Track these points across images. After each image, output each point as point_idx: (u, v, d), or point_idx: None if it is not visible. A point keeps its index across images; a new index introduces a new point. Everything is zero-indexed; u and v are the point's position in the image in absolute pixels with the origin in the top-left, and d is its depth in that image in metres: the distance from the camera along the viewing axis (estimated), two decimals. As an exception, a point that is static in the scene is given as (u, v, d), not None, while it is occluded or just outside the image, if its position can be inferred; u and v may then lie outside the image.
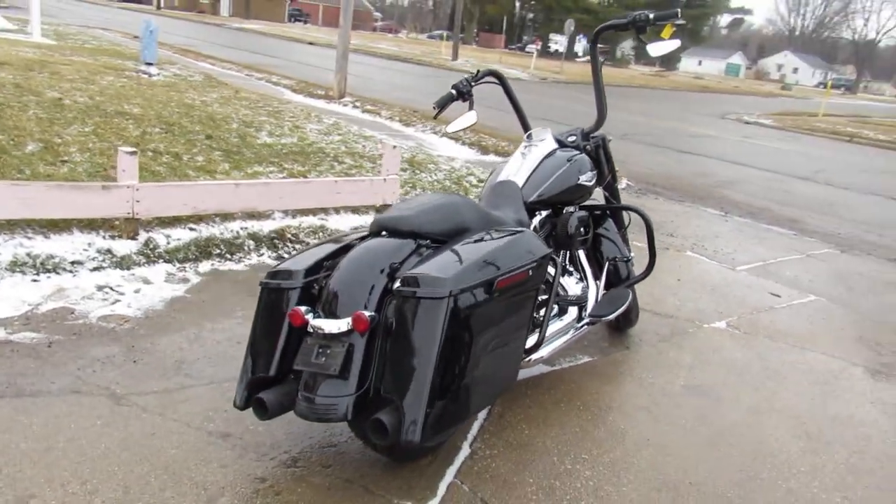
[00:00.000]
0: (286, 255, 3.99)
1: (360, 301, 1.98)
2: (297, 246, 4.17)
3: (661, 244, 5.05)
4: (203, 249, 3.86)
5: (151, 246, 3.75)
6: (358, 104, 10.84)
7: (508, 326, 2.11)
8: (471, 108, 3.04)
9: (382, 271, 2.03)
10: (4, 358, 2.57)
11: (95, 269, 3.47)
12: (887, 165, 12.95)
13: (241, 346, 2.85)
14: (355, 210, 4.72)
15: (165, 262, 3.69)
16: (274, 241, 4.14)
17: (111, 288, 3.33)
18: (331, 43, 32.67)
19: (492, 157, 8.11)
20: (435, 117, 3.10)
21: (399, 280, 1.94)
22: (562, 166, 2.85)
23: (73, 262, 3.46)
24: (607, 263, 3.11)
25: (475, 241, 2.11)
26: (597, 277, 3.07)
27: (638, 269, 3.26)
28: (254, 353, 2.10)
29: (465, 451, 2.31)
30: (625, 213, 3.33)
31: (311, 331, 1.98)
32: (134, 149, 3.76)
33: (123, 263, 3.57)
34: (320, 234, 4.35)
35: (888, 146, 16.39)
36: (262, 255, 4.01)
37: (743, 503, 2.22)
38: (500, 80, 3.10)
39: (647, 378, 3.02)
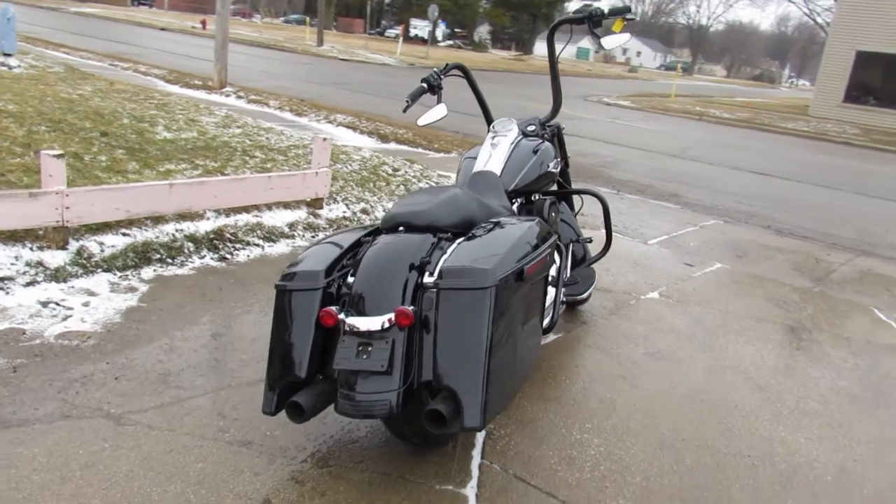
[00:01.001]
0: (228, 257, 3.88)
1: (394, 297, 2.01)
2: (238, 245, 4.05)
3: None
4: (142, 255, 3.66)
5: (85, 255, 3.51)
6: (241, 94, 10.45)
7: (533, 309, 2.22)
8: (439, 101, 3.10)
9: (411, 266, 2.07)
10: (-29, 387, 2.36)
11: (29, 283, 3.20)
12: (738, 141, 14.28)
13: (221, 352, 2.80)
14: (287, 205, 4.62)
15: (104, 271, 3.47)
16: (213, 241, 3.99)
17: (56, 303, 3.10)
18: (184, 28, 31.02)
19: (393, 146, 8.14)
20: (405, 111, 3.13)
21: (439, 273, 1.99)
22: (532, 155, 2.99)
23: (2, 279, 3.18)
24: (571, 245, 3.30)
25: (495, 231, 2.19)
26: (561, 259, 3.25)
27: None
28: (280, 358, 2.08)
29: (482, 433, 2.41)
30: (576, 197, 3.53)
31: (348, 329, 1.99)
32: (60, 151, 3.48)
33: (59, 276, 3.32)
34: (258, 231, 4.24)
35: (732, 123, 18.04)
36: (203, 257, 3.86)
37: (731, 451, 2.48)
38: (465, 72, 3.18)
39: (612, 349, 3.25)
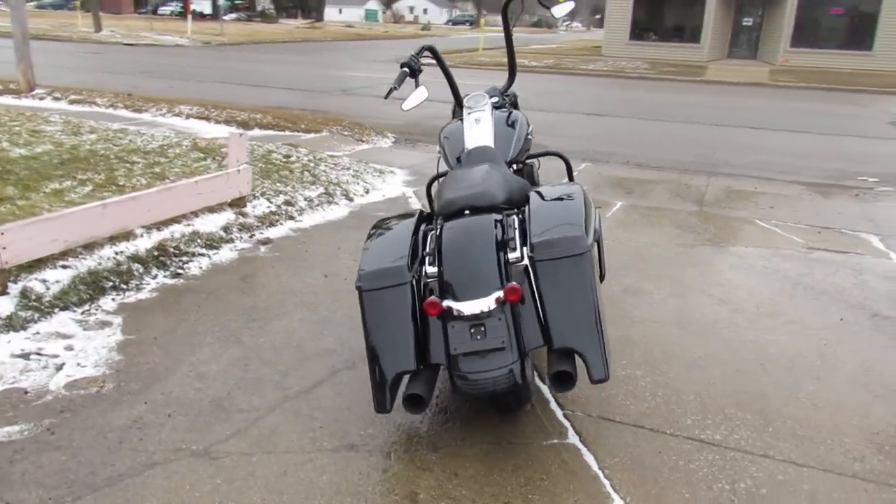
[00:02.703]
0: (181, 272, 3.68)
1: (491, 276, 2.12)
2: (184, 258, 3.82)
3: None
4: (93, 286, 3.36)
5: (33, 297, 3.16)
6: (58, 95, 9.39)
7: (600, 264, 2.44)
8: (417, 84, 3.14)
9: (498, 245, 2.18)
10: (25, 460, 2.12)
11: (-12, 339, 2.85)
12: (558, 87, 15.28)
13: (252, 367, 2.73)
14: (211, 209, 4.39)
15: (61, 310, 3.16)
16: (160, 258, 3.74)
17: (36, 353, 2.80)
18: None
19: (259, 132, 7.80)
20: (386, 97, 3.13)
21: (532, 247, 2.12)
22: (515, 126, 3.15)
23: (-48, 339, 2.80)
24: None
25: (555, 201, 2.35)
26: None
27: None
28: (385, 356, 2.11)
29: (543, 389, 2.60)
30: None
31: (456, 314, 2.08)
32: (-15, 186, 3.07)
33: (14, 324, 2.98)
34: (198, 240, 4.01)
35: (543, 71, 19.21)
36: (155, 276, 3.61)
37: (739, 359, 2.90)
38: (435, 54, 3.25)
39: (593, 293, 3.56)
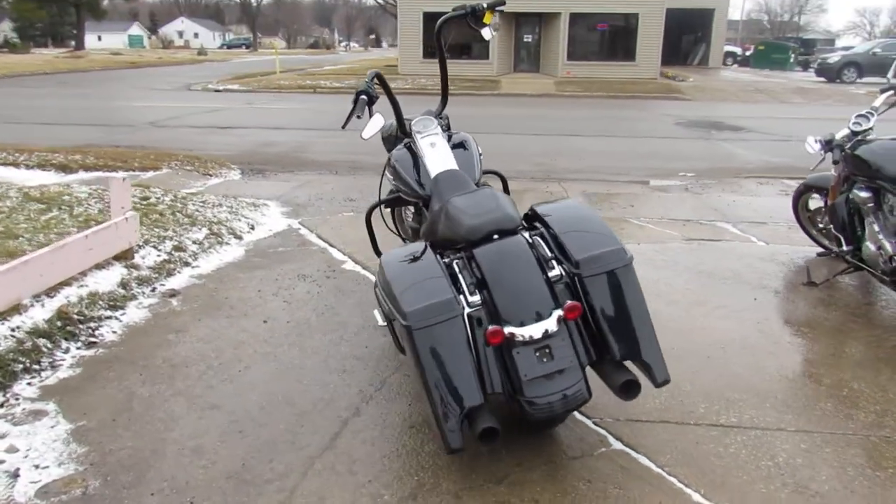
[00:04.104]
0: (95, 340, 3.22)
1: (545, 296, 2.14)
2: (91, 325, 3.33)
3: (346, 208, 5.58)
4: (1, 372, 2.82)
5: (-70, 396, 2.58)
6: None
7: None
8: (371, 112, 3.03)
9: (540, 265, 2.20)
10: None
11: None
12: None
13: (248, 432, 2.58)
14: (99, 265, 3.86)
15: (-28, 406, 2.61)
16: (66, 328, 3.22)
17: (-28, 464, 2.29)
18: None
19: (84, 174, 6.98)
20: (344, 126, 2.98)
21: (577, 263, 2.16)
22: (469, 148, 3.17)
23: None
24: None
25: (572, 216, 2.40)
26: None
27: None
28: (448, 393, 2.03)
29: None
30: None
31: (519, 341, 2.06)
32: None
33: (-82, 434, 2.41)
34: (99, 302, 3.51)
35: (346, 91, 19.23)
36: (67, 350, 3.11)
37: (706, 348, 3.17)
38: (382, 80, 3.16)
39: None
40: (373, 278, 4.04)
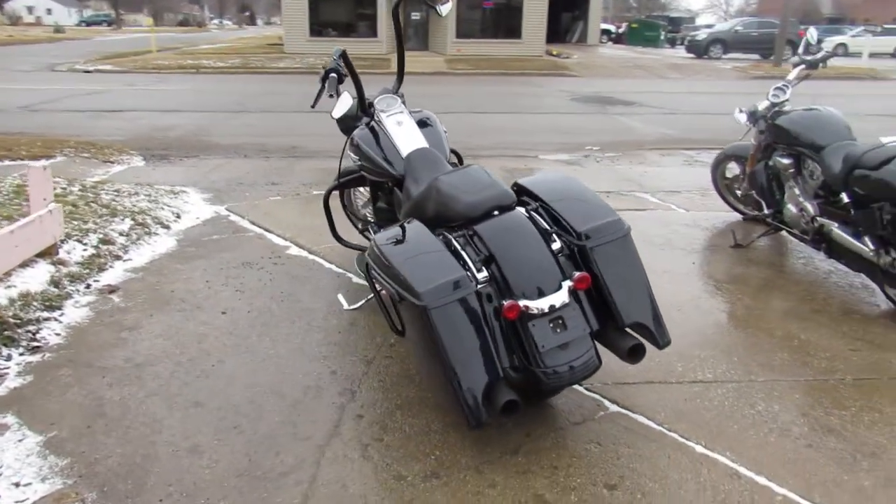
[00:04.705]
0: (38, 344, 2.99)
1: (554, 269, 2.19)
2: (29, 329, 3.06)
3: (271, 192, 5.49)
4: (-59, 386, 2.55)
5: None
6: None
7: None
8: (338, 92, 2.95)
9: (544, 239, 2.25)
10: None
11: None
12: (262, 88, 14.81)
13: (244, 427, 2.61)
14: (24, 264, 3.54)
15: (-82, 426, 2.35)
16: (3, 333, 2.94)
17: (-60, 488, 2.07)
18: None
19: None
20: (314, 105, 2.88)
21: (584, 235, 2.23)
22: (434, 124, 3.16)
23: None
24: None
25: (563, 189, 2.45)
26: None
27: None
28: (469, 368, 2.05)
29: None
30: None
31: (535, 313, 2.11)
32: None
33: None
34: (34, 303, 3.23)
35: (233, 71, 18.47)
36: (9, 358, 2.85)
37: (666, 310, 3.34)
38: (346, 59, 3.06)
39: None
40: (325, 263, 3.97)
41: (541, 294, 2.13)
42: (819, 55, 4.23)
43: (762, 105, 4.14)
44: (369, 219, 3.87)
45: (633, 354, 2.20)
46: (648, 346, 2.24)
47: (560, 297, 2.12)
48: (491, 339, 2.10)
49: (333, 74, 2.93)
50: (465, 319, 2.07)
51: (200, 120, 9.79)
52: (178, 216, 4.85)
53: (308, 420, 2.43)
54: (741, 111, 4.23)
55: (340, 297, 3.43)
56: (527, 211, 2.36)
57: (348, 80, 3.12)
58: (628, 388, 2.61)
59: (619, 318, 2.22)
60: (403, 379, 2.70)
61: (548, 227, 2.30)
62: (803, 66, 4.22)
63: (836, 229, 3.56)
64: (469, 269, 2.17)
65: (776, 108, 4.10)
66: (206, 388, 2.64)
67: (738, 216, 4.82)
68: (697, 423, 2.40)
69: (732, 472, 2.14)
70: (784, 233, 4.17)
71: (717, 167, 4.89)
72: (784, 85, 4.15)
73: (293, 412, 2.48)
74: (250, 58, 21.26)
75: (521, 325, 2.12)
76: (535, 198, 2.43)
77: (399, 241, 2.31)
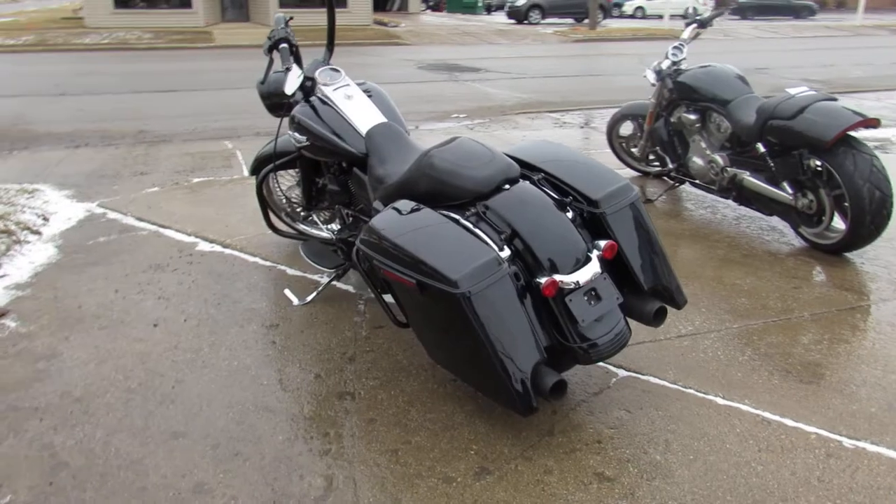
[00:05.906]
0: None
1: (579, 240, 2.11)
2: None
3: (144, 183, 5.00)
4: None
5: None
6: None
7: None
8: (289, 65, 2.61)
9: (562, 210, 2.16)
10: None
11: None
12: (69, 68, 13.19)
13: (242, 454, 2.39)
14: None
15: None
16: None
17: None
18: None
19: None
20: (263, 81, 2.51)
21: (597, 202, 2.16)
22: (385, 97, 2.93)
23: None
24: None
25: (564, 156, 2.37)
26: None
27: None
28: (514, 354, 1.94)
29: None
30: None
31: (572, 287, 2.02)
32: None
33: None
34: None
35: (30, 49, 16.34)
36: None
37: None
38: (286, 24, 2.72)
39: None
40: (247, 257, 3.61)
41: (574, 267, 2.04)
42: (707, 15, 4.47)
43: (664, 64, 4.31)
44: (294, 202, 3.56)
45: (659, 317, 2.18)
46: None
47: (593, 269, 2.05)
48: (527, 321, 1.98)
49: (284, 45, 2.59)
50: (504, 302, 1.94)
51: (13, 106, 8.53)
52: (46, 219, 4.17)
53: (317, 433, 2.18)
54: (651, 70, 4.38)
55: (288, 293, 3.12)
56: (535, 182, 2.25)
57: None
58: (626, 352, 2.60)
59: (640, 283, 2.19)
60: (398, 372, 2.51)
61: (558, 197, 2.20)
62: (695, 24, 4.43)
63: (748, 178, 3.80)
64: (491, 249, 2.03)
65: (675, 67, 4.28)
66: (179, 414, 2.28)
67: (634, 173, 5.02)
68: (705, 376, 2.45)
69: (761, 419, 2.21)
70: (687, 185, 4.40)
71: (614, 126, 5.04)
72: (680, 44, 4.34)
73: (294, 427, 2.21)
74: (46, 34, 18.83)
75: (556, 302, 2.02)
76: (533, 168, 2.32)
77: (406, 226, 2.11)
